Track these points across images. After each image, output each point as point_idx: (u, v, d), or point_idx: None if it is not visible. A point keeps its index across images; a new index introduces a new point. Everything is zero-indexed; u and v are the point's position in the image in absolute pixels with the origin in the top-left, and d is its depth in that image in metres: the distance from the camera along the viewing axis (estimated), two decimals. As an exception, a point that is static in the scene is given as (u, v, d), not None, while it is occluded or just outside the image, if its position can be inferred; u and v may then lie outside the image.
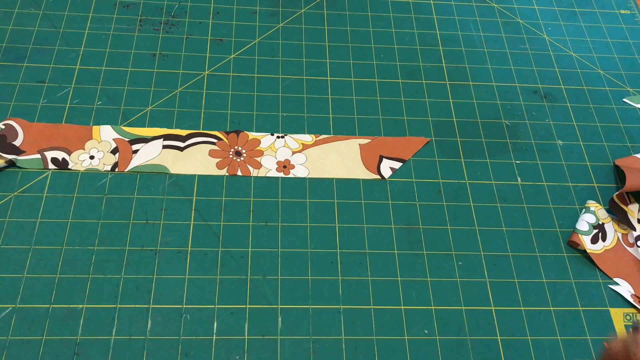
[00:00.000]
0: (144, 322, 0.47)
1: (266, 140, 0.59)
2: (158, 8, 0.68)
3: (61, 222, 0.51)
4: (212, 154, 0.57)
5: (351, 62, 0.66)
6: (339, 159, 0.58)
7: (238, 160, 0.57)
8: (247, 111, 0.61)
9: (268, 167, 0.57)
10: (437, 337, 0.49)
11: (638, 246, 0.55)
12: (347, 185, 0.57)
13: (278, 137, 0.59)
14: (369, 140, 0.60)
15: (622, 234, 0.56)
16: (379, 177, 0.57)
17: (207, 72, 0.63)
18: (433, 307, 0.50)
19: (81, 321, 0.47)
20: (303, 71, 0.65)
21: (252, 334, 0.48)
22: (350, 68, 0.66)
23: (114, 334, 0.46)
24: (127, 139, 0.57)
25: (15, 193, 0.53)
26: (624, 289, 0.53)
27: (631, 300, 0.52)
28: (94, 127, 0.57)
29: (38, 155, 0.55)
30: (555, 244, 0.55)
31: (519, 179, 0.59)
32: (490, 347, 0.49)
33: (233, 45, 0.66)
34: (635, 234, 0.56)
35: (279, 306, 0.49)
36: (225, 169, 0.56)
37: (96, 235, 0.51)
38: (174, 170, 0.55)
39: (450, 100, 0.64)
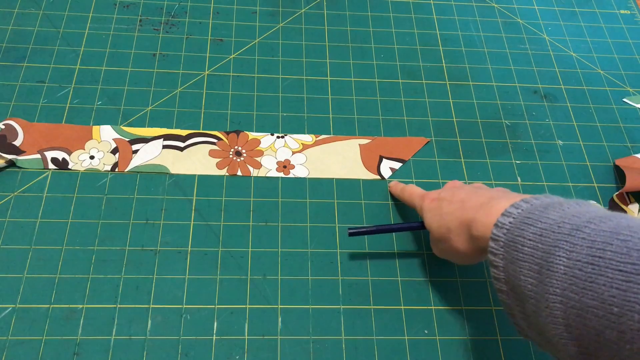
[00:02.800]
0: (144, 322, 0.47)
1: (266, 140, 0.59)
2: (158, 8, 0.68)
3: (61, 222, 0.51)
4: (212, 154, 0.57)
5: (351, 62, 0.66)
6: (339, 159, 0.58)
7: (238, 160, 0.57)
8: (247, 111, 0.61)
9: (268, 167, 0.57)
10: (437, 337, 0.49)
11: (638, 246, 0.55)
12: (347, 185, 0.57)
13: (278, 137, 0.59)
14: (369, 141, 0.60)
15: (622, 234, 0.56)
16: (379, 177, 0.57)
17: (207, 72, 0.63)
18: (433, 307, 0.50)
19: (81, 321, 0.47)
20: (303, 71, 0.65)
21: (252, 334, 0.48)
22: (350, 68, 0.66)
23: (114, 334, 0.46)
24: (127, 139, 0.57)
25: (15, 193, 0.53)
26: (624, 289, 0.53)
27: (631, 300, 0.52)
28: (94, 127, 0.57)
29: (38, 155, 0.55)
30: (555, 244, 0.55)
31: (519, 179, 0.59)
32: (490, 347, 0.49)
33: (233, 45, 0.66)
34: (635, 234, 0.56)
35: (279, 306, 0.49)
36: (225, 169, 0.56)
37: (96, 235, 0.51)
38: (174, 170, 0.55)
39: (450, 100, 0.64)
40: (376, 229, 0.51)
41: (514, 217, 0.36)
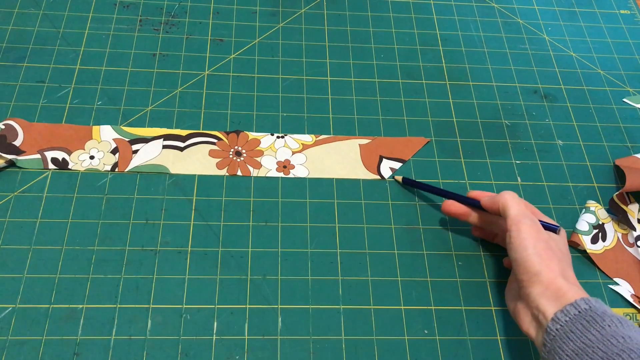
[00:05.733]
0: (144, 322, 0.47)
1: (266, 140, 0.59)
2: (158, 8, 0.68)
3: (61, 222, 0.51)
4: (212, 154, 0.57)
5: (351, 62, 0.66)
6: (339, 159, 0.58)
7: (238, 160, 0.57)
8: (247, 111, 0.61)
9: (268, 167, 0.57)
10: (437, 337, 0.49)
11: (638, 246, 0.55)
12: (347, 185, 0.57)
13: (278, 137, 0.59)
14: (369, 141, 0.60)
15: (622, 234, 0.56)
16: (379, 177, 0.57)
17: (207, 72, 0.63)
18: (433, 307, 0.50)
19: (81, 321, 0.47)
20: (303, 71, 0.65)
21: (252, 334, 0.48)
22: (350, 68, 0.66)
23: (114, 334, 0.46)
24: (127, 139, 0.57)
25: (15, 193, 0.53)
26: (624, 289, 0.53)
27: (631, 300, 0.52)
28: (94, 127, 0.57)
29: (38, 155, 0.55)
30: (555, 244, 0.55)
31: (519, 179, 0.59)
32: (490, 347, 0.49)
33: (233, 45, 0.66)
34: (635, 234, 0.56)
35: (279, 306, 0.49)
36: (225, 169, 0.56)
37: (96, 235, 0.51)
38: (174, 170, 0.55)
39: (450, 100, 0.64)
40: (430, 188, 0.55)
41: (560, 325, 0.40)
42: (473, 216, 0.52)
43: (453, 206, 0.52)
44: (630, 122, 0.65)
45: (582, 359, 0.38)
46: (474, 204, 0.51)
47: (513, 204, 0.47)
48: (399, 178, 0.56)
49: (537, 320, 0.43)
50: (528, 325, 0.44)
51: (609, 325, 0.39)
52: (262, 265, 0.51)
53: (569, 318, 0.40)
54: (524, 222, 0.45)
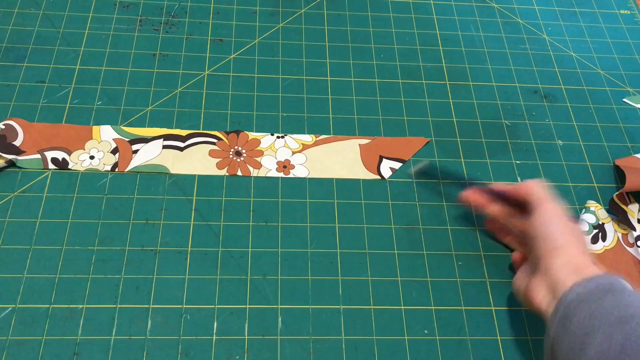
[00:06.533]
0: (144, 322, 0.47)
1: (266, 140, 0.59)
2: (158, 8, 0.68)
3: (61, 222, 0.51)
4: (212, 154, 0.57)
5: (351, 62, 0.66)
6: (339, 159, 0.58)
7: (238, 160, 0.57)
8: (247, 111, 0.61)
9: (268, 167, 0.57)
10: (437, 337, 0.49)
11: (638, 246, 0.55)
12: (347, 185, 0.57)
13: (278, 137, 0.59)
14: (369, 141, 0.60)
15: (622, 234, 0.56)
16: (379, 177, 0.57)
17: (207, 72, 0.63)
18: (433, 307, 0.50)
19: (81, 321, 0.47)
20: (303, 71, 0.65)
21: (252, 334, 0.48)
22: (350, 68, 0.66)
23: (114, 334, 0.46)
24: (127, 139, 0.57)
25: (15, 193, 0.53)
26: (624, 289, 0.53)
27: (631, 300, 0.52)
28: (94, 127, 0.57)
29: (38, 155, 0.55)
30: (555, 244, 0.55)
31: (519, 179, 0.59)
32: (490, 347, 0.49)
33: (233, 45, 0.66)
34: (635, 234, 0.56)
35: (279, 306, 0.49)
36: (225, 169, 0.56)
37: (96, 235, 0.51)
38: (174, 170, 0.55)
39: (450, 100, 0.64)
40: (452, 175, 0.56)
41: (576, 294, 0.39)
42: (493, 207, 0.52)
43: (476, 194, 0.52)
44: (630, 122, 0.65)
45: (595, 323, 0.36)
46: (497, 194, 0.51)
47: (541, 189, 0.48)
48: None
49: (553, 291, 0.41)
50: (541, 299, 0.42)
51: (629, 296, 0.38)
52: (262, 265, 0.51)
53: (587, 290, 0.39)
54: (550, 202, 0.47)
